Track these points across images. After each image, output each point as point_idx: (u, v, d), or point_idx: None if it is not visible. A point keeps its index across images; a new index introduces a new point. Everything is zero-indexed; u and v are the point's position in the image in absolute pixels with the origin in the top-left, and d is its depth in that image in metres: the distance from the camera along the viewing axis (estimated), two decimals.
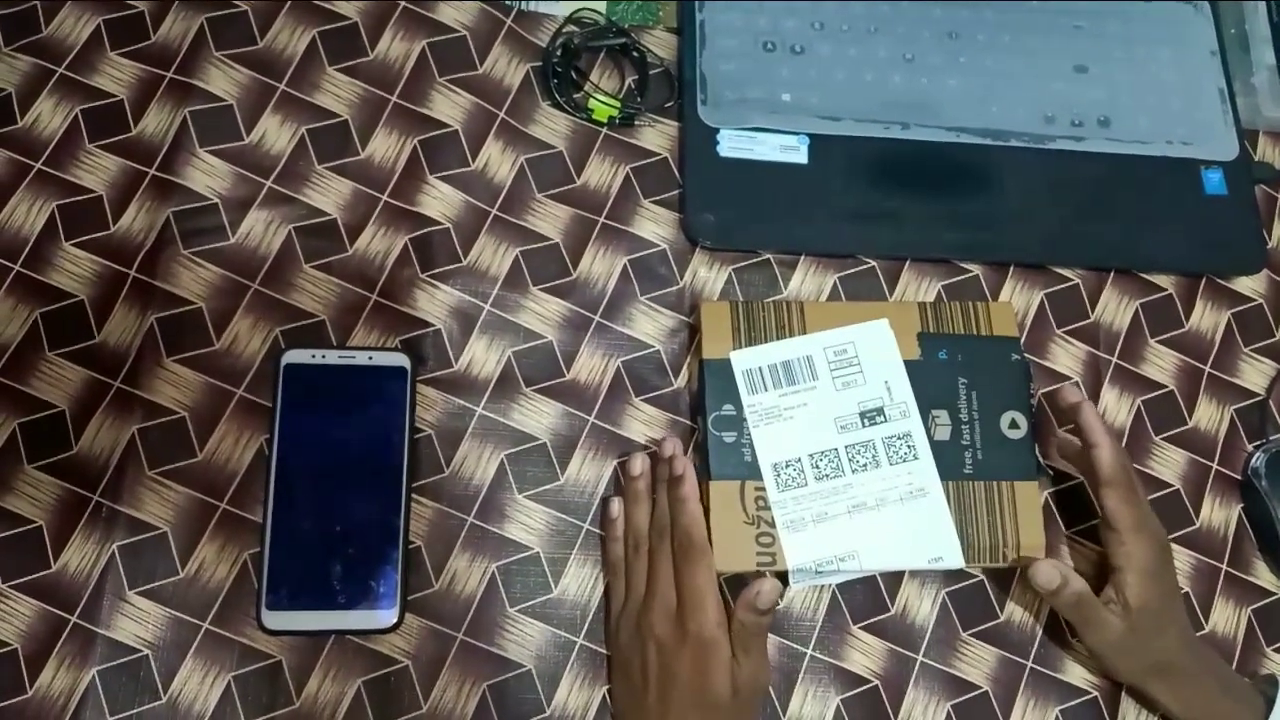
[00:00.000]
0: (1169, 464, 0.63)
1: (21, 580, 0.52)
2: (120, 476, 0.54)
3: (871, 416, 0.58)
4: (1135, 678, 0.57)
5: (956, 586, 0.59)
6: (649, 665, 0.52)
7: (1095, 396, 0.63)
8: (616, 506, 0.57)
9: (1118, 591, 0.54)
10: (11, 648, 0.51)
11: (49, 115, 0.59)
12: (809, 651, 0.57)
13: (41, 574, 0.53)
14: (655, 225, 0.63)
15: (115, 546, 0.53)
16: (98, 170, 0.59)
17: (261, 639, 0.53)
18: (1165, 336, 0.66)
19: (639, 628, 0.53)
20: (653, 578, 0.53)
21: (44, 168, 0.58)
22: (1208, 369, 0.66)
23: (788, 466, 0.57)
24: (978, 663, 0.58)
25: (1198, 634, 0.60)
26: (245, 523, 0.54)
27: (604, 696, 0.55)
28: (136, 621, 0.53)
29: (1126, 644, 0.55)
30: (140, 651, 0.52)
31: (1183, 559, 0.62)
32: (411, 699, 0.54)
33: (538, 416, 0.59)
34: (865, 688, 0.57)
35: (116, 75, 0.61)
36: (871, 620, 0.58)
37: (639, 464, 0.57)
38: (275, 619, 0.52)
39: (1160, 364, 0.65)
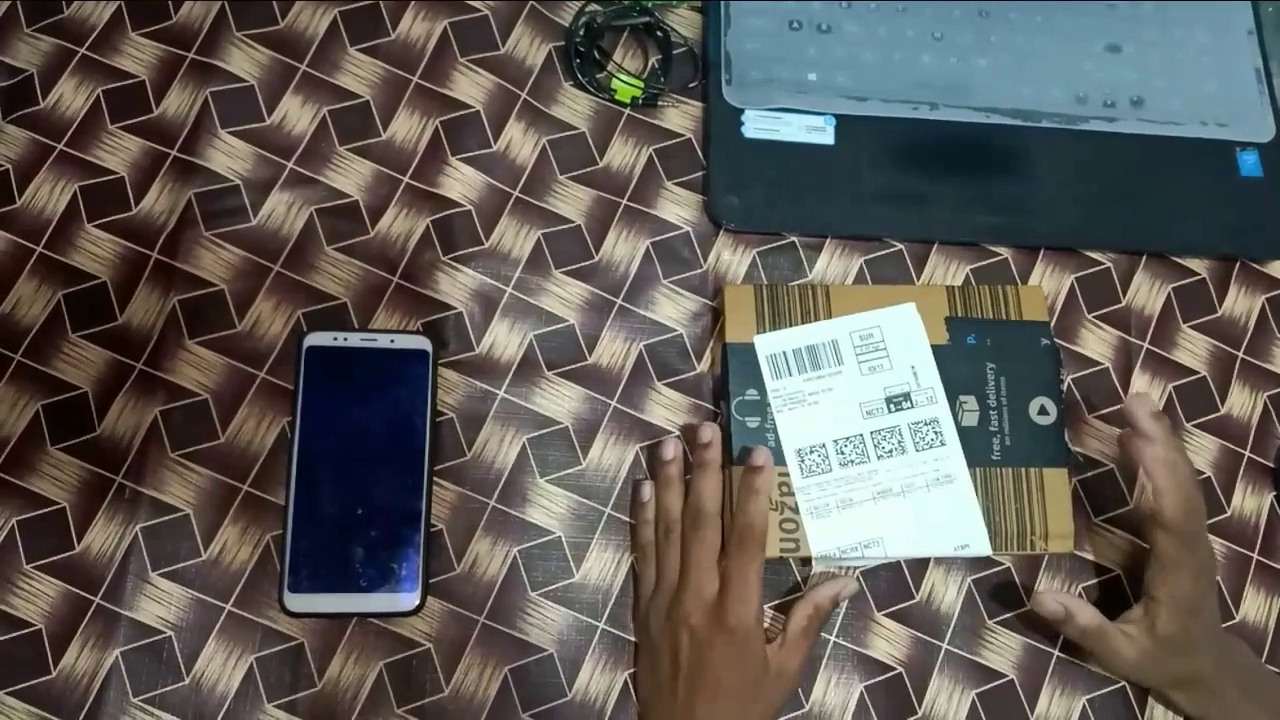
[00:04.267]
0: (1200, 451, 0.62)
1: (45, 561, 0.53)
2: (143, 458, 0.54)
3: (898, 402, 0.58)
4: (1156, 688, 0.56)
5: (983, 574, 0.58)
6: (680, 651, 0.51)
7: (1125, 382, 0.62)
8: (648, 490, 0.56)
9: (1147, 615, 0.53)
10: (35, 628, 0.52)
11: (71, 96, 0.59)
12: (832, 638, 0.57)
13: (65, 555, 0.53)
14: (678, 207, 0.62)
15: (138, 528, 0.53)
16: (119, 151, 0.59)
17: (284, 621, 0.53)
18: (1198, 321, 0.65)
19: (670, 615, 0.52)
20: (687, 564, 0.53)
21: (66, 149, 0.58)
22: (1241, 355, 0.64)
23: (812, 452, 0.56)
24: (1003, 651, 0.58)
25: (1226, 624, 0.59)
26: (267, 505, 0.54)
27: (625, 681, 0.55)
28: (159, 603, 0.53)
29: (1142, 666, 0.54)
30: (163, 633, 0.52)
31: (1214, 548, 0.60)
32: (433, 682, 0.54)
33: (559, 400, 0.58)
34: (889, 675, 0.56)
35: (138, 56, 0.60)
36: (896, 607, 0.57)
37: (672, 449, 0.56)
38: (297, 601, 0.52)
39: (1192, 349, 0.64)
